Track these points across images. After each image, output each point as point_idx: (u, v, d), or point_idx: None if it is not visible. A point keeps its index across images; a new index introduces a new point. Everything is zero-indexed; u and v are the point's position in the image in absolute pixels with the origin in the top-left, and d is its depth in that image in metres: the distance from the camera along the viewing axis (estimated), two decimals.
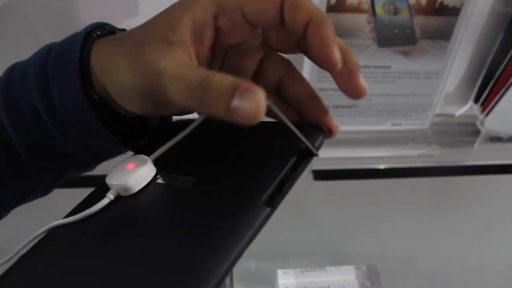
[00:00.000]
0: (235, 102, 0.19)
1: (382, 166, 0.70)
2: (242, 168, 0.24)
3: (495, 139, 0.74)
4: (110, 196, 0.24)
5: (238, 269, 0.63)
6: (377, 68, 0.66)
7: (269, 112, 0.22)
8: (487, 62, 0.70)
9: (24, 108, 0.26)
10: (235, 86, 0.19)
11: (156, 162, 0.25)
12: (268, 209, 0.20)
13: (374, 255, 0.71)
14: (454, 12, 0.62)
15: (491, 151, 0.73)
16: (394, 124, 0.74)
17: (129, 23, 0.60)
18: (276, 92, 0.27)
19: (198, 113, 0.26)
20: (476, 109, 0.74)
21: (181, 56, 0.22)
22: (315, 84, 0.67)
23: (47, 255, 0.24)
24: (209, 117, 0.22)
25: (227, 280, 0.57)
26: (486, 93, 0.71)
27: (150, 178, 0.24)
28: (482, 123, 0.73)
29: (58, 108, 0.26)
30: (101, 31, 0.26)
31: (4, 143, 0.27)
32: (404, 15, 0.61)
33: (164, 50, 0.22)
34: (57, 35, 0.27)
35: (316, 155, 0.24)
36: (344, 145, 0.70)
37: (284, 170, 0.22)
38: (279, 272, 0.57)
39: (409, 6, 0.61)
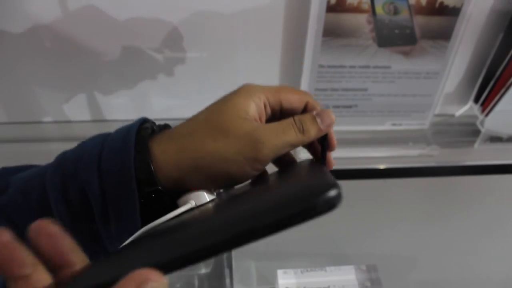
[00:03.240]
0: (319, 120, 0.31)
1: (382, 166, 0.70)
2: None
3: (495, 139, 0.74)
4: (192, 203, 0.29)
5: (238, 269, 0.63)
6: (377, 68, 0.66)
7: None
8: (487, 62, 0.70)
9: (72, 197, 0.29)
10: (311, 114, 0.31)
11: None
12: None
13: (374, 255, 0.71)
14: (454, 12, 0.62)
15: (491, 151, 0.73)
16: (394, 124, 0.74)
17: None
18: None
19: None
20: (476, 109, 0.74)
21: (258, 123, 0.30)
22: (315, 84, 0.67)
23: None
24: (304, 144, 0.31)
25: (227, 280, 0.57)
26: (486, 93, 0.71)
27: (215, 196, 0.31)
28: (482, 123, 0.73)
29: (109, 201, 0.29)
30: (145, 130, 0.31)
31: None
32: (404, 15, 0.61)
33: (245, 123, 0.29)
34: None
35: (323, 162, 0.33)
36: (344, 145, 0.70)
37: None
38: (279, 272, 0.57)
39: (409, 6, 0.61)
